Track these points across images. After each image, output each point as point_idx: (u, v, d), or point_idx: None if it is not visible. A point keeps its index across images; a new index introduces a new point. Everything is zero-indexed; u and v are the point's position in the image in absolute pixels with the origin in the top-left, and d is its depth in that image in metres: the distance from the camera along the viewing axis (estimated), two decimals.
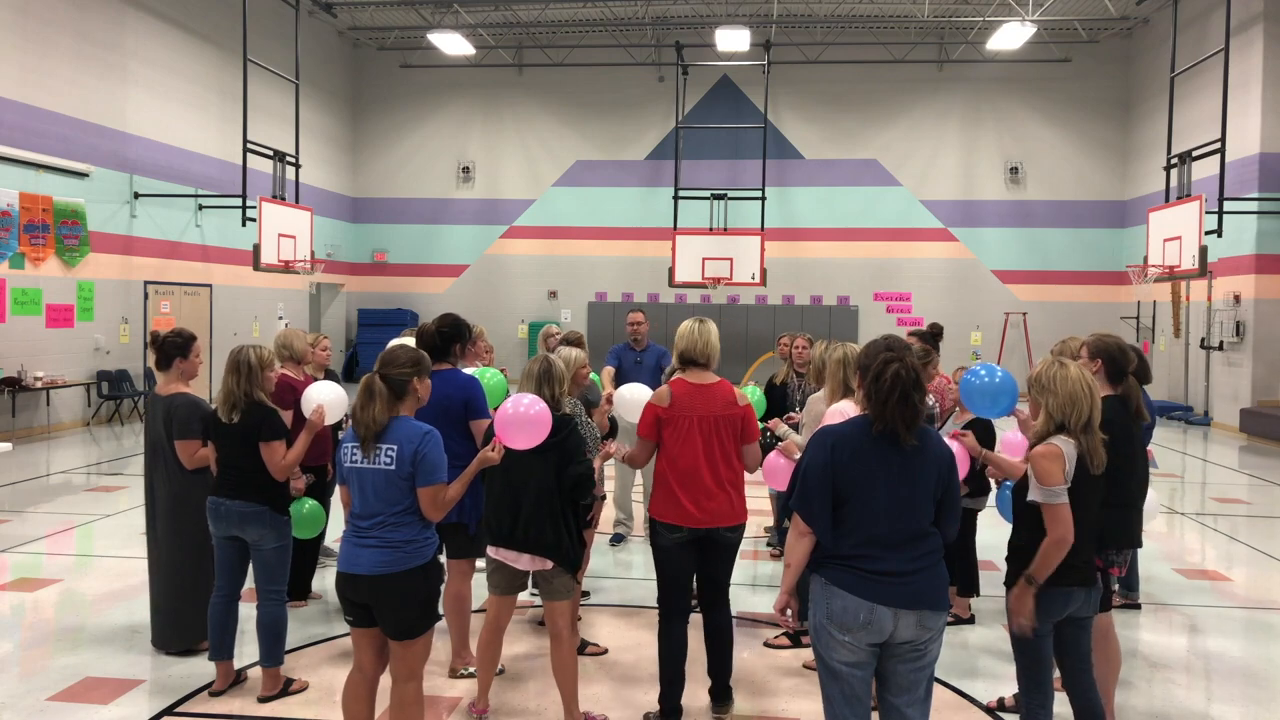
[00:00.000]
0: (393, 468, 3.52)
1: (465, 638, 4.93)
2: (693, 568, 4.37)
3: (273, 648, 4.59)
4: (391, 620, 3.56)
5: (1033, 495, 3.53)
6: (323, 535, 6.65)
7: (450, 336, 4.86)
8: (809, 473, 3.13)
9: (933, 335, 6.84)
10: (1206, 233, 13.88)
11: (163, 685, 4.75)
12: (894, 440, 3.09)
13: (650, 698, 4.63)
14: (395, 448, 3.53)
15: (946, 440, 4.33)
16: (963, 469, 4.47)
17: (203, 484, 4.83)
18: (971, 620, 5.85)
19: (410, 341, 5.73)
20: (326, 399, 4.94)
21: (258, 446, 4.52)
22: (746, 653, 5.33)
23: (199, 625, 4.93)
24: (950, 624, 5.62)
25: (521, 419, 3.96)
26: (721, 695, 4.48)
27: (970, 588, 5.91)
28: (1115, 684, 4.35)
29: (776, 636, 5.40)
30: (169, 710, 4.48)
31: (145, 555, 5.48)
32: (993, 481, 4.86)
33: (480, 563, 4.66)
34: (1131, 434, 4.10)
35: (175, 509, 5.00)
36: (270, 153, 16.42)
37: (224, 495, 4.55)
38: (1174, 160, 15.63)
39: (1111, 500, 3.96)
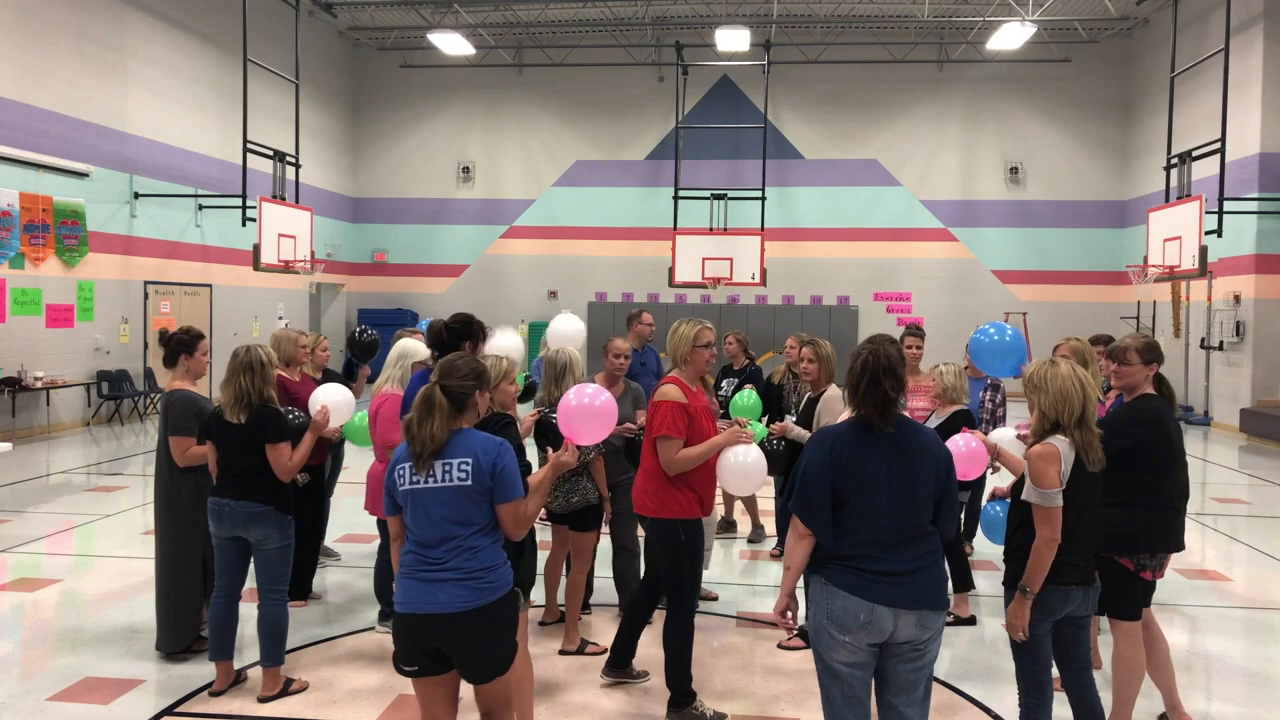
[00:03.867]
0: (469, 483, 3.15)
1: None
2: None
3: (274, 648, 4.57)
4: (478, 661, 3.15)
5: (1026, 495, 3.55)
6: (322, 535, 6.65)
7: (459, 333, 4.78)
8: (808, 474, 3.13)
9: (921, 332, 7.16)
10: (1206, 233, 13.88)
11: (163, 685, 4.75)
12: (873, 431, 3.12)
13: (650, 699, 4.63)
14: (469, 461, 3.16)
15: (964, 437, 4.34)
16: (979, 467, 4.46)
17: (198, 482, 4.86)
18: (972, 620, 5.83)
19: (411, 341, 5.72)
20: (332, 400, 4.96)
21: (262, 447, 4.50)
22: (746, 653, 5.33)
23: (199, 624, 4.95)
24: (950, 624, 5.62)
25: (587, 411, 3.77)
26: (670, 698, 4.42)
27: (964, 583, 5.90)
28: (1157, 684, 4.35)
29: (790, 638, 5.38)
30: (169, 710, 4.48)
31: (146, 555, 5.48)
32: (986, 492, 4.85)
33: None
34: (1167, 433, 4.12)
35: (168, 506, 5.01)
36: (270, 153, 16.42)
37: (227, 496, 4.52)
38: (1174, 160, 15.62)
39: (1146, 502, 4.06)
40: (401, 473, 3.21)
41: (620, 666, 4.77)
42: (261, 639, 4.58)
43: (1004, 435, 4.73)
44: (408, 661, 3.16)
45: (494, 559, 3.18)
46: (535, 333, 21.85)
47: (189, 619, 5.05)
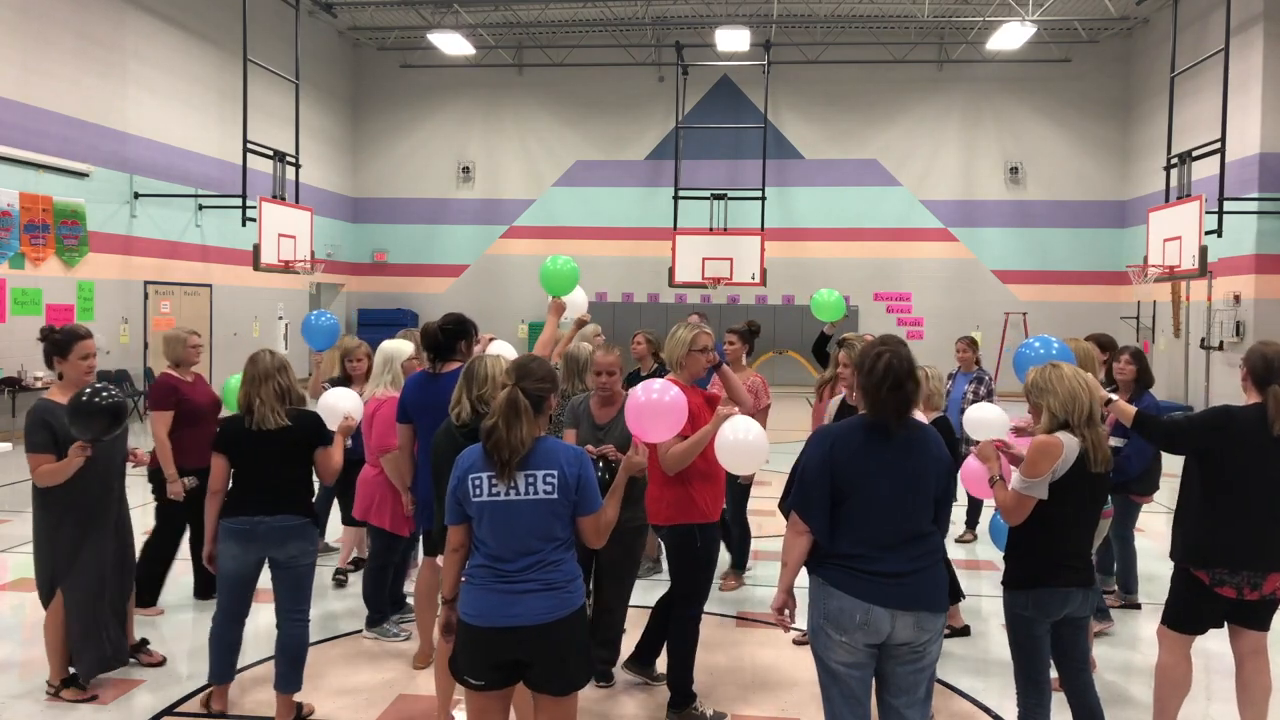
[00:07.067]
0: (554, 496, 3.02)
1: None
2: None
3: (293, 672, 4.22)
4: (561, 672, 3.04)
5: (1013, 482, 3.58)
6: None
7: (455, 334, 4.74)
8: (807, 471, 3.12)
9: (750, 332, 6.64)
10: (1206, 233, 13.88)
11: (163, 686, 4.76)
12: (886, 434, 3.08)
13: (650, 698, 4.64)
14: (554, 473, 3.03)
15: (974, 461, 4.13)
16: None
17: (47, 496, 4.42)
18: (966, 631, 5.71)
19: (392, 343, 5.66)
20: (350, 407, 4.74)
21: (305, 454, 4.18)
22: (747, 654, 5.33)
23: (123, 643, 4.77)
24: (946, 636, 5.55)
25: (655, 407, 3.63)
26: (670, 699, 4.42)
27: (953, 594, 5.81)
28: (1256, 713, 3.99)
29: (803, 635, 5.35)
30: (169, 710, 4.48)
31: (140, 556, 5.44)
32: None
33: None
34: (1249, 443, 3.80)
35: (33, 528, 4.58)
36: (270, 153, 16.42)
37: (260, 512, 4.09)
38: (1174, 160, 15.62)
39: (1209, 511, 3.82)
40: (477, 482, 3.03)
41: (644, 664, 4.76)
42: (281, 662, 4.21)
43: (990, 417, 4.55)
44: (475, 675, 3.03)
45: (574, 571, 3.09)
46: (535, 333, 21.86)
47: (107, 641, 4.59)
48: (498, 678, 3.04)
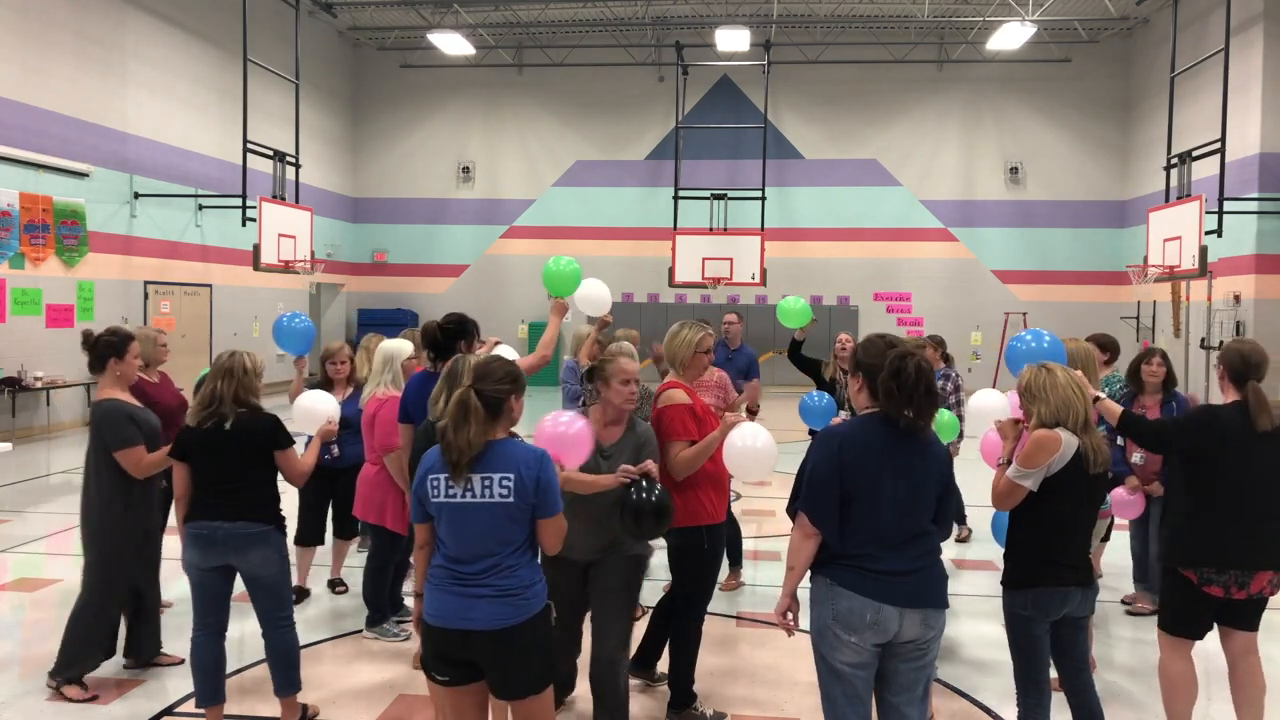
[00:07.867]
0: (510, 500, 3.00)
1: None
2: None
3: (288, 675, 4.19)
4: (514, 678, 3.04)
5: (1009, 469, 3.59)
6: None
7: (454, 333, 4.70)
8: (816, 473, 3.09)
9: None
10: (1206, 233, 13.88)
11: (163, 686, 4.76)
12: (909, 435, 3.07)
13: (651, 698, 4.64)
14: (511, 476, 3.00)
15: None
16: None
17: (129, 499, 4.52)
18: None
19: (392, 342, 5.65)
20: (329, 410, 4.67)
21: (256, 458, 4.07)
22: (747, 654, 5.33)
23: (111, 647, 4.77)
24: None
25: (562, 438, 3.60)
26: (670, 698, 4.43)
27: None
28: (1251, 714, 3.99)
29: None
30: (169, 710, 4.48)
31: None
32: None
33: None
34: (1233, 441, 3.80)
35: (100, 525, 4.58)
36: (270, 153, 16.42)
37: (219, 518, 3.98)
38: (1174, 160, 15.62)
39: (1198, 510, 3.81)
40: (435, 483, 3.04)
41: (645, 666, 4.75)
42: (274, 669, 4.19)
43: (994, 404, 4.57)
44: (439, 671, 3.09)
45: (531, 577, 3.06)
46: (535, 333, 21.86)
47: (94, 643, 4.65)
48: (458, 674, 3.08)
